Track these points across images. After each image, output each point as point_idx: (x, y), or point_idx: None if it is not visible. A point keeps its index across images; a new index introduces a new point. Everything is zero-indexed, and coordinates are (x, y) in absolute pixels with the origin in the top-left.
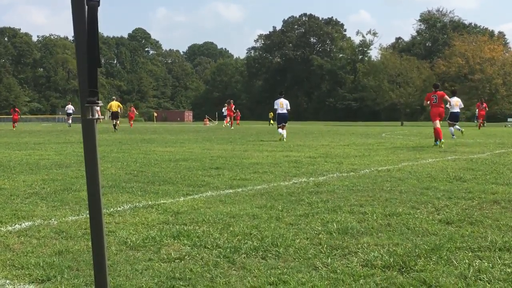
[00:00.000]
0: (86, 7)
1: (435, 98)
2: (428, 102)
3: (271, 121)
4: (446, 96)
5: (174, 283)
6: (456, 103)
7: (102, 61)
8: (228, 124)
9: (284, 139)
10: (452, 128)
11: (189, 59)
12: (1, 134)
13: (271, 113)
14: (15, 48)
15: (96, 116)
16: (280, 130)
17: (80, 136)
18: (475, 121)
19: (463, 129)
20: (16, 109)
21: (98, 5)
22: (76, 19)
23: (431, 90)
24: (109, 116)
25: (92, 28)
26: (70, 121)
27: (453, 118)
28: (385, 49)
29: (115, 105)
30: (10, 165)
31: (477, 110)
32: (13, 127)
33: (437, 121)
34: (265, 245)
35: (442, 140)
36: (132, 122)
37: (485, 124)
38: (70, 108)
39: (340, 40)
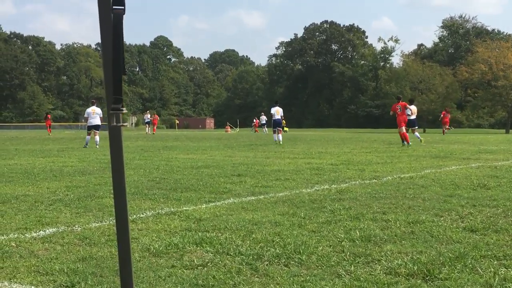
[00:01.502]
0: (112, 15)
1: (399, 108)
2: (393, 112)
3: (285, 128)
4: (407, 105)
5: None
6: (414, 111)
7: None
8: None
9: (281, 143)
10: (417, 134)
11: (211, 67)
12: (26, 141)
13: (284, 121)
14: (39, 56)
15: (121, 123)
16: (274, 136)
17: (102, 142)
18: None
19: (422, 138)
20: (49, 116)
21: (124, 13)
22: (102, 27)
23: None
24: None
25: (117, 35)
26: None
27: (410, 124)
28: (407, 55)
29: None
30: (34, 172)
31: (442, 117)
32: (49, 132)
33: (403, 127)
34: (288, 252)
35: (410, 144)
36: (155, 128)
37: (450, 129)
38: None
39: (362, 47)
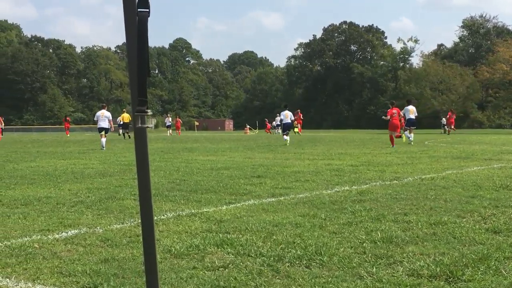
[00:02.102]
0: (137, 17)
1: (395, 112)
2: (389, 116)
3: (295, 130)
4: (401, 111)
5: None
6: (411, 111)
7: None
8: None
9: (287, 144)
10: (407, 133)
11: (229, 68)
12: (47, 144)
13: (296, 122)
14: (60, 60)
15: (146, 125)
16: (285, 136)
17: (123, 144)
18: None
19: (412, 140)
20: (68, 119)
21: (148, 16)
22: (127, 29)
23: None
24: (119, 126)
25: (142, 37)
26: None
27: (410, 124)
28: (427, 56)
29: (126, 117)
30: (56, 174)
31: (446, 118)
32: (67, 134)
33: (395, 132)
34: (309, 253)
35: (394, 147)
36: (179, 131)
37: (451, 131)
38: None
39: (381, 48)
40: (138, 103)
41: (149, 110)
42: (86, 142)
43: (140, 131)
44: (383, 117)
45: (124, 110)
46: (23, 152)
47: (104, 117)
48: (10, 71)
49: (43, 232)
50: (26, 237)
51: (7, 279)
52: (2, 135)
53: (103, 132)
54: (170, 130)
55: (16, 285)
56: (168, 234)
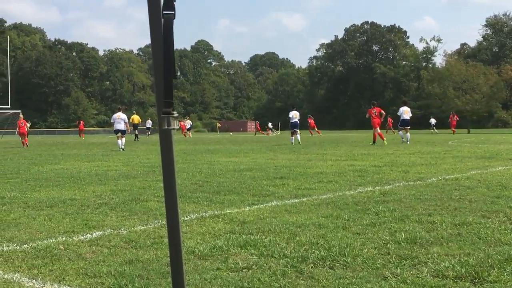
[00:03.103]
0: (162, 19)
1: (375, 112)
2: (367, 115)
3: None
4: (382, 110)
5: None
6: (406, 111)
7: None
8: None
9: (299, 143)
10: (401, 133)
11: (251, 70)
12: (71, 146)
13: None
14: (83, 63)
15: (172, 126)
16: (292, 138)
17: (145, 147)
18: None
19: (405, 140)
20: (82, 121)
21: (174, 17)
22: (152, 32)
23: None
24: (147, 129)
25: (167, 39)
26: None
27: (404, 124)
28: (450, 55)
29: (136, 118)
30: (80, 176)
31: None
32: (82, 137)
33: (377, 128)
34: (333, 254)
35: (375, 143)
36: (184, 133)
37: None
38: (149, 122)
39: (403, 48)
40: (164, 105)
41: (175, 112)
42: (110, 144)
43: (166, 133)
44: (367, 116)
45: (134, 112)
46: (47, 154)
47: (120, 119)
48: (35, 75)
49: (68, 233)
50: (52, 239)
51: (34, 280)
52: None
53: (119, 134)
54: (190, 133)
55: (42, 286)
56: (191, 235)
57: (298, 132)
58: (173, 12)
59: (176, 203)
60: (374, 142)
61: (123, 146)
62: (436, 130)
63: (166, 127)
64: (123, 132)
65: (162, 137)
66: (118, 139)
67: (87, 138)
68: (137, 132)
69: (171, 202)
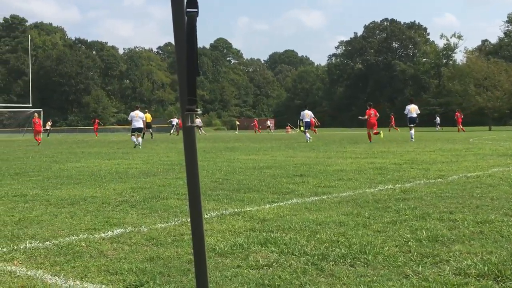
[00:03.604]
0: (186, 17)
1: (373, 113)
2: (366, 116)
3: (301, 128)
4: (377, 112)
5: None
6: (412, 109)
7: None
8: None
9: (310, 140)
10: (412, 132)
11: (270, 67)
12: (91, 144)
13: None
14: (103, 61)
15: (195, 124)
16: (307, 134)
17: (165, 144)
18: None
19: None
20: (97, 120)
21: (197, 15)
22: (176, 30)
23: None
24: (172, 126)
25: (191, 37)
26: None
27: (411, 121)
28: (470, 52)
29: (148, 117)
30: (101, 174)
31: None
32: (96, 135)
33: (373, 129)
34: (353, 252)
35: (372, 142)
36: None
37: (464, 130)
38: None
39: (423, 44)
40: (187, 102)
41: (198, 109)
42: (130, 142)
43: (189, 130)
44: (360, 117)
45: (146, 110)
46: (68, 152)
47: (138, 117)
48: (55, 74)
49: (90, 231)
50: (74, 236)
51: (56, 277)
52: (48, 136)
53: (136, 132)
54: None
55: (65, 283)
56: (212, 233)
57: (308, 130)
58: (196, 10)
59: (199, 198)
60: (370, 141)
61: (140, 145)
62: (441, 128)
63: (189, 124)
64: (140, 130)
65: (185, 134)
66: (133, 136)
67: (108, 136)
68: (151, 131)
69: (194, 197)
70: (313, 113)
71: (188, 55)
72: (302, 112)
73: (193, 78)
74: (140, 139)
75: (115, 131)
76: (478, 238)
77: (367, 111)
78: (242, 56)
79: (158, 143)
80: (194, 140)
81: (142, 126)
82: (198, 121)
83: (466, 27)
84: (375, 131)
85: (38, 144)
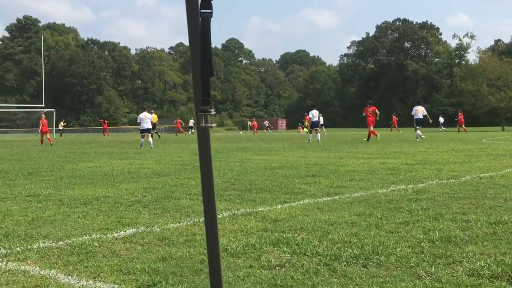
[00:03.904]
0: (200, 18)
1: (371, 111)
2: (364, 114)
3: (306, 128)
4: (376, 110)
5: None
6: (419, 111)
7: None
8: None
9: (319, 141)
10: (419, 132)
11: (282, 68)
12: (104, 144)
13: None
14: (115, 61)
15: (209, 124)
16: (310, 135)
17: (176, 145)
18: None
19: (423, 136)
20: (106, 121)
21: (211, 17)
22: (190, 30)
23: None
24: (190, 127)
25: (205, 38)
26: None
27: (418, 123)
28: (483, 52)
29: (155, 117)
30: (113, 174)
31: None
32: (108, 135)
33: (371, 126)
34: (366, 253)
35: (369, 140)
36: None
37: (464, 130)
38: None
39: (436, 44)
40: (201, 103)
41: (212, 110)
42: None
43: (204, 131)
44: (363, 114)
45: (152, 111)
46: (81, 152)
47: (147, 119)
48: (68, 74)
49: (102, 231)
50: (86, 236)
51: (69, 277)
52: (61, 136)
53: (145, 133)
54: (193, 130)
55: (78, 283)
56: (224, 233)
57: (319, 130)
58: (210, 11)
59: (213, 199)
60: (368, 139)
61: (152, 145)
62: (444, 128)
63: (204, 124)
64: (149, 131)
65: (200, 134)
66: (142, 138)
67: (120, 136)
68: (156, 131)
69: (208, 198)
70: (324, 113)
71: (202, 56)
72: (311, 112)
73: (207, 78)
74: (150, 139)
75: (127, 131)
76: (491, 239)
77: (365, 108)
78: (253, 56)
79: (170, 143)
80: (208, 140)
81: (150, 127)
82: (191, 122)
83: (479, 27)
84: (372, 129)
85: (42, 144)
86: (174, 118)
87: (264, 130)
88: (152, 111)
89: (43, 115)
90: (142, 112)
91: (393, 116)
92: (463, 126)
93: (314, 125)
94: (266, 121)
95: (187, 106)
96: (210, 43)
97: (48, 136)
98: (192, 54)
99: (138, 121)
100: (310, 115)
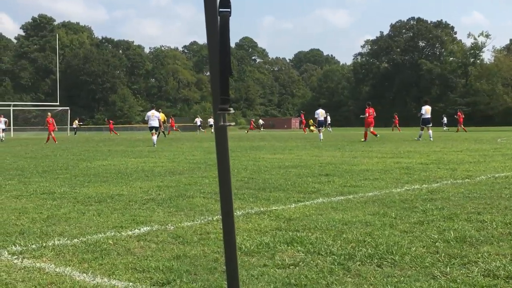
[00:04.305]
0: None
1: (371, 112)
2: (367, 114)
3: (311, 127)
4: (374, 111)
5: None
6: (427, 110)
7: None
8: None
9: (321, 140)
10: (422, 132)
11: (295, 66)
12: (117, 142)
13: (311, 120)
14: (129, 60)
15: (228, 123)
16: (320, 134)
17: (190, 143)
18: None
19: (432, 139)
20: (111, 121)
21: (230, 15)
22: (209, 29)
23: None
24: (210, 126)
25: (223, 37)
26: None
27: (425, 122)
28: (498, 51)
29: (162, 116)
30: (127, 172)
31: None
32: (115, 133)
33: (370, 127)
34: (380, 252)
35: (366, 140)
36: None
37: (465, 130)
38: (198, 120)
39: (450, 43)
40: (220, 101)
41: (231, 109)
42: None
43: (222, 129)
44: (361, 116)
45: (160, 110)
46: (95, 150)
47: (154, 117)
48: (82, 72)
49: (117, 228)
50: (101, 234)
51: (84, 274)
52: (75, 134)
53: (153, 131)
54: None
55: (93, 280)
56: (238, 231)
57: (322, 130)
58: (229, 10)
59: (231, 197)
60: (365, 139)
61: (155, 143)
62: (447, 128)
63: (222, 123)
64: (156, 129)
65: (217, 133)
66: (152, 136)
67: (134, 135)
68: (163, 129)
69: (226, 196)
70: (338, 112)
71: (221, 55)
72: (317, 111)
73: (225, 77)
74: (155, 137)
75: (141, 129)
76: (507, 239)
77: (366, 109)
78: (267, 55)
79: (184, 141)
80: (226, 139)
81: (158, 125)
82: (198, 120)
83: (494, 26)
84: (372, 130)
85: (47, 142)
86: (187, 116)
87: (257, 130)
88: (160, 110)
89: (49, 114)
90: (151, 110)
91: (395, 116)
92: (462, 125)
93: (319, 124)
94: (260, 120)
95: (200, 105)
96: (229, 42)
97: (53, 135)
98: (210, 53)
99: (146, 118)
100: (316, 115)
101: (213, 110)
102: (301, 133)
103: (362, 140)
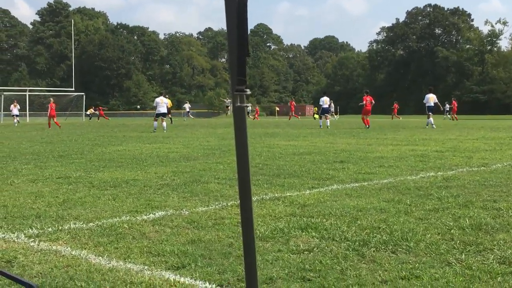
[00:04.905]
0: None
1: (368, 100)
2: (364, 102)
3: (315, 115)
4: (372, 100)
5: (305, 274)
6: (431, 99)
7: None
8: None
9: (328, 127)
10: (431, 119)
11: (310, 53)
12: (133, 128)
13: (315, 108)
14: (144, 46)
15: (245, 104)
16: (321, 121)
17: (204, 129)
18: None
19: (434, 126)
20: (100, 108)
21: None
22: (228, 11)
23: None
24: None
25: (242, 20)
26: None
27: (429, 110)
28: None
29: (169, 102)
30: (142, 157)
31: (451, 106)
32: (106, 119)
33: (367, 115)
34: (395, 239)
35: (369, 127)
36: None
37: (457, 119)
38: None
39: (467, 31)
40: (237, 82)
41: (248, 90)
42: (170, 127)
43: (240, 110)
44: (360, 103)
45: (166, 96)
46: (110, 136)
47: (163, 103)
48: (97, 58)
49: (132, 213)
50: (116, 218)
51: (100, 257)
52: (90, 119)
53: (161, 117)
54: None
55: (108, 263)
56: None
57: (329, 116)
58: None
59: (249, 180)
60: (368, 126)
61: (165, 129)
62: (449, 116)
63: (239, 104)
64: (164, 115)
65: (235, 114)
66: (155, 121)
67: (149, 121)
68: (170, 116)
69: (244, 179)
70: (354, 99)
71: (238, 36)
72: (321, 99)
73: (243, 58)
74: (164, 123)
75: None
76: None
77: (364, 97)
78: (282, 42)
79: (198, 128)
80: (244, 120)
81: (166, 111)
82: (187, 106)
83: None
84: (367, 119)
85: (50, 127)
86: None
87: (329, 116)
88: (167, 96)
89: (51, 99)
90: (160, 96)
91: (395, 104)
92: (455, 114)
93: (323, 111)
94: (277, 107)
95: (215, 91)
96: (247, 23)
97: (55, 120)
98: (229, 34)
99: (154, 104)
100: (321, 102)
101: (231, 91)
102: (316, 120)
103: (367, 126)
